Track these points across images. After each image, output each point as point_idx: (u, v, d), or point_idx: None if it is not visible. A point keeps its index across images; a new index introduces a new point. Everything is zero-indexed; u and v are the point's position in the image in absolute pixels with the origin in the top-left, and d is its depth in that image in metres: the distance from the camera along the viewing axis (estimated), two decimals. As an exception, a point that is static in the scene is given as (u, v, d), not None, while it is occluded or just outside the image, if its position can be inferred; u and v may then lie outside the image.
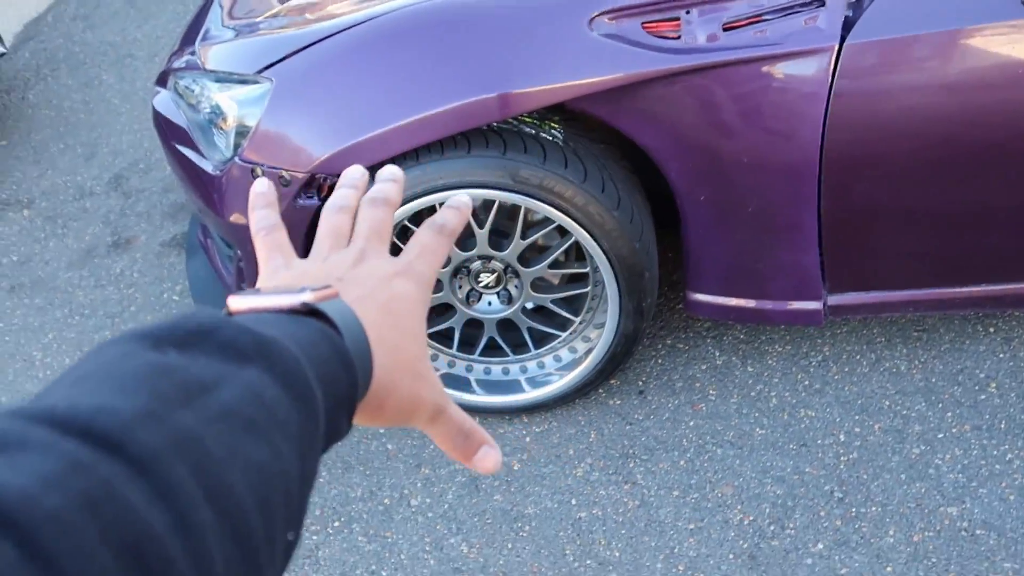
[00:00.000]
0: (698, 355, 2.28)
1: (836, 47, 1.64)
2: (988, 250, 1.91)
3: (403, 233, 1.94)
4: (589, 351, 2.07)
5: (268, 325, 0.41)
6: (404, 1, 1.80)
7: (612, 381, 2.21)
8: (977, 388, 2.10)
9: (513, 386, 2.16)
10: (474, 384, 2.17)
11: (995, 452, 1.97)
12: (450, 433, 0.53)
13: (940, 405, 2.08)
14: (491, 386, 2.17)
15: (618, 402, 2.20)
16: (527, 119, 1.87)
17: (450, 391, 2.14)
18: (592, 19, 1.68)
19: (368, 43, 1.82)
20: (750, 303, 2.03)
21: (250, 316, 0.43)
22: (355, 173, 0.61)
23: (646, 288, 1.93)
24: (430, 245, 0.56)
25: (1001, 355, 2.17)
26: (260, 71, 1.91)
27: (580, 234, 1.84)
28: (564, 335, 2.10)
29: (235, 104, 1.94)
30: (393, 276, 0.52)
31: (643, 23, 1.68)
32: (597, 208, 1.81)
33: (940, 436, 2.02)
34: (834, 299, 2.01)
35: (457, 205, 0.59)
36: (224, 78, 2.00)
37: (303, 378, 0.38)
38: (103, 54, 3.86)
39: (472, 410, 2.17)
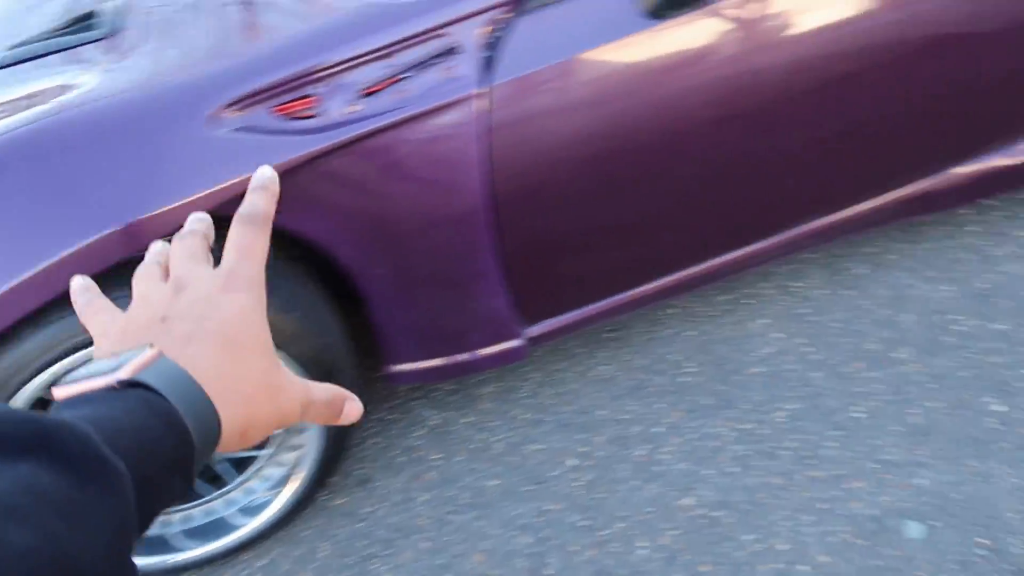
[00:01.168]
0: (412, 421, 2.13)
1: (483, 91, 1.55)
2: (661, 246, 1.95)
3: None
4: (298, 462, 1.84)
5: (86, 404, 0.42)
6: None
7: (330, 480, 2.01)
8: (676, 372, 2.17)
9: (223, 525, 1.88)
10: (174, 541, 1.85)
11: (708, 430, 2.04)
12: (320, 414, 0.55)
13: (649, 399, 2.12)
14: (199, 534, 1.87)
15: (342, 501, 2.00)
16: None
17: (148, 559, 1.81)
18: (213, 115, 1.44)
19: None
20: (453, 359, 1.92)
21: (72, 399, 0.44)
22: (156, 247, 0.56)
23: (345, 382, 1.74)
24: (246, 241, 0.52)
25: (688, 333, 2.26)
26: None
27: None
28: (265, 452, 1.85)
29: None
30: (219, 294, 0.50)
31: (273, 108, 1.47)
32: (271, 316, 1.58)
33: (657, 430, 2.06)
34: (533, 330, 1.96)
35: (261, 183, 0.54)
36: None
37: (93, 457, 0.38)
38: None
39: (184, 569, 1.86)
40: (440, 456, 2.05)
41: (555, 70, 1.59)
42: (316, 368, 1.69)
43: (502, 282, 1.81)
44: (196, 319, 0.48)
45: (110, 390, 0.44)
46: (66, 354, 1.48)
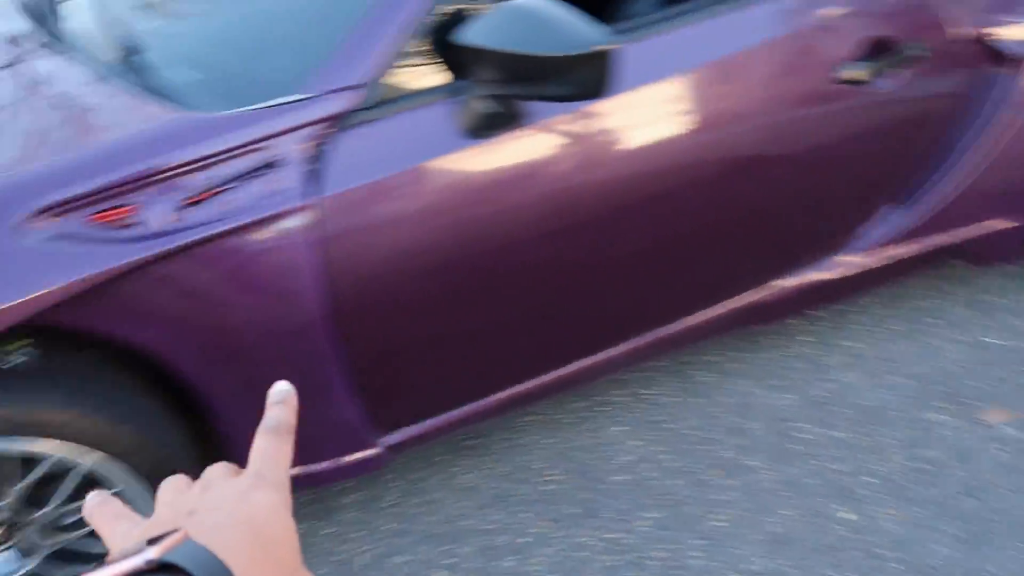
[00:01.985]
0: (272, 534, 2.11)
1: (310, 203, 1.60)
2: (510, 354, 1.99)
3: None
4: None
5: None
6: None
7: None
8: (539, 481, 2.18)
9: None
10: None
11: (576, 540, 2.04)
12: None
13: (514, 508, 2.12)
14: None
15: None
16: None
17: None
18: (23, 223, 1.47)
19: None
20: (309, 469, 1.92)
21: None
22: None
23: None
24: (271, 449, 0.54)
25: (548, 440, 2.28)
26: None
27: (95, 462, 1.61)
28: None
29: None
30: (247, 491, 0.50)
31: (88, 216, 1.51)
32: (107, 428, 1.59)
33: (524, 540, 2.05)
34: (390, 439, 1.97)
35: (280, 398, 0.57)
36: None
37: None
38: None
39: None
40: (300, 570, 2.02)
41: (383, 184, 1.66)
42: (158, 479, 1.68)
43: (350, 391, 1.83)
44: (226, 511, 0.48)
45: (144, 571, 0.43)
46: None
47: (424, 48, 1.72)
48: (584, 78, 1.58)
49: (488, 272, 1.82)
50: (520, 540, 2.05)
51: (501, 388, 2.03)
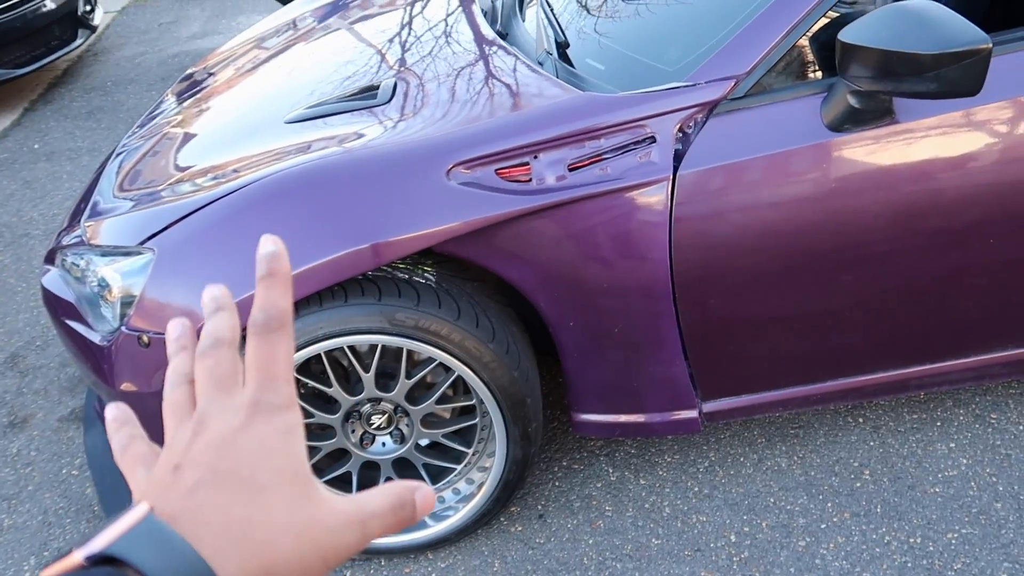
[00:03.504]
0: (593, 473, 2.36)
1: (670, 177, 1.81)
2: (842, 346, 2.07)
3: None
4: (483, 482, 2.14)
5: None
6: (290, 163, 1.93)
7: (513, 508, 2.28)
8: (852, 477, 2.23)
9: (416, 522, 2.20)
10: (377, 525, 2.20)
11: (874, 536, 2.08)
12: (388, 523, 0.48)
13: (820, 497, 2.19)
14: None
15: (519, 528, 2.26)
16: (400, 265, 1.99)
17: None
18: (449, 170, 1.83)
19: (242, 208, 1.93)
20: (631, 418, 2.14)
21: None
22: (175, 330, 0.53)
23: (529, 414, 2.03)
24: (265, 356, 0.47)
25: (871, 443, 2.31)
26: (142, 242, 2.00)
27: (460, 369, 1.94)
28: (460, 467, 2.17)
29: (119, 276, 2.01)
30: (236, 432, 0.45)
31: (496, 170, 1.84)
32: (473, 343, 1.92)
33: (823, 526, 2.13)
34: (708, 406, 2.13)
35: (267, 266, 0.49)
36: (109, 251, 2.08)
37: None
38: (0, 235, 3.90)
39: (375, 552, 2.20)
40: (611, 508, 2.26)
41: (740, 166, 1.82)
42: (507, 398, 1.99)
43: (681, 353, 2.02)
44: (208, 464, 0.44)
45: (80, 569, 0.40)
46: (307, 344, 1.89)
47: (801, 45, 1.86)
48: (959, 76, 1.63)
49: (828, 263, 1.92)
50: (818, 525, 2.13)
51: (827, 378, 2.11)
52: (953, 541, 2.04)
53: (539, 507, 2.30)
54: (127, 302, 1.99)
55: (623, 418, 2.14)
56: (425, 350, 1.93)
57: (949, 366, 2.11)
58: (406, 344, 1.91)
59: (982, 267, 1.95)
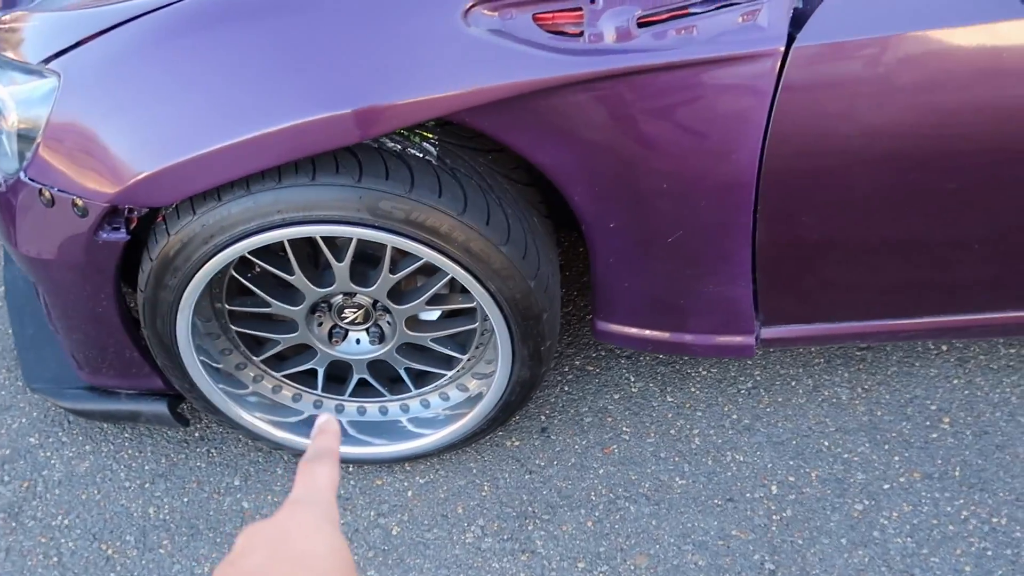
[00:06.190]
0: (611, 381, 1.95)
1: (782, 50, 1.27)
2: (951, 279, 1.60)
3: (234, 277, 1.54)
4: (479, 396, 1.72)
5: None
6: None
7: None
8: (928, 424, 1.82)
9: (393, 428, 1.81)
10: (346, 426, 1.81)
11: (948, 508, 1.70)
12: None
13: (886, 446, 1.80)
14: (367, 428, 1.82)
15: (516, 443, 1.87)
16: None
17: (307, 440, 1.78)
18: (469, 9, 1.27)
19: (185, 31, 1.38)
20: (669, 336, 1.70)
21: None
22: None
23: (544, 331, 1.58)
24: (309, 475, 0.56)
25: (955, 381, 1.89)
26: (46, 60, 1.46)
27: (461, 276, 1.48)
28: (451, 373, 1.75)
29: (13, 103, 1.49)
30: (284, 520, 0.52)
31: (535, 15, 1.28)
32: (481, 245, 1.44)
33: (886, 487, 1.74)
34: (769, 332, 1.69)
35: (322, 429, 0.61)
36: (6, 63, 1.55)
37: None
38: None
39: (347, 462, 1.82)
40: (630, 430, 1.86)
41: (886, 43, 1.27)
42: (518, 313, 1.54)
43: (749, 272, 1.55)
44: (263, 552, 0.50)
45: None
46: (259, 231, 1.41)
47: None
48: None
49: (943, 178, 1.41)
50: (880, 485, 1.74)
51: (926, 314, 1.65)
52: (1045, 524, 1.67)
53: (542, 417, 1.91)
54: (27, 136, 1.49)
55: (658, 334, 1.70)
56: (416, 250, 1.45)
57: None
58: (391, 240, 1.43)
59: None
